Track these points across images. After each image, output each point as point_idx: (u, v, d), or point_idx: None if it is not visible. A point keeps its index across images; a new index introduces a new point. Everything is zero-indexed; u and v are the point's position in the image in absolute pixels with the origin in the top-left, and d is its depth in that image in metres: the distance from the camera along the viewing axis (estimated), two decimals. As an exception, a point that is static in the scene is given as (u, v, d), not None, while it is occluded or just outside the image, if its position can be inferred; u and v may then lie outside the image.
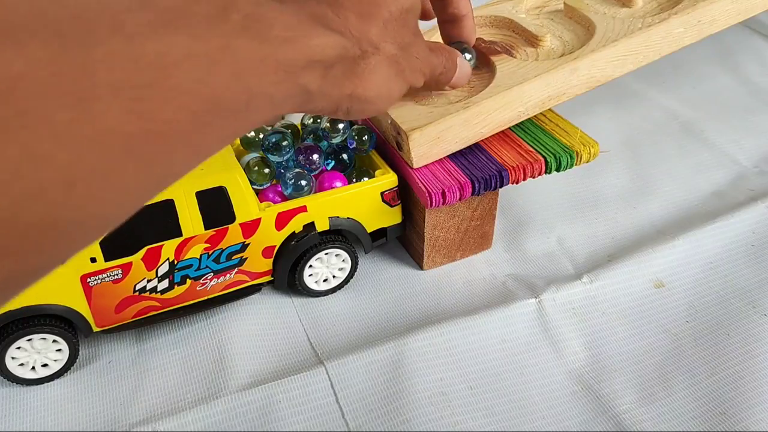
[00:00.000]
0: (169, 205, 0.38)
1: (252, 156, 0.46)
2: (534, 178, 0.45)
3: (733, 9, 0.51)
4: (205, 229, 0.40)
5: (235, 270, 0.42)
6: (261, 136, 0.47)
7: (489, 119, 0.45)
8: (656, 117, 0.64)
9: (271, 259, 0.43)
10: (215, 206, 0.39)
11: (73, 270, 0.37)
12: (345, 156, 0.47)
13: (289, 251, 0.43)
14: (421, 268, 0.48)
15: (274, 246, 0.43)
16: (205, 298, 0.43)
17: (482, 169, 0.44)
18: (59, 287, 0.38)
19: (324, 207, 0.43)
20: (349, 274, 0.46)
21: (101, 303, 0.39)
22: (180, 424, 0.38)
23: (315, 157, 0.45)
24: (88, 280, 0.38)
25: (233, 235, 0.41)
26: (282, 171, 0.46)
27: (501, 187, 0.44)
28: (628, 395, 0.40)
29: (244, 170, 0.43)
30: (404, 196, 0.47)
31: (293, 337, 0.44)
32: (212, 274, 0.41)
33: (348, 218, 0.44)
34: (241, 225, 0.41)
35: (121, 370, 0.41)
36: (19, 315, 0.37)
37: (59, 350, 0.40)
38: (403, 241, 0.50)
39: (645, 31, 0.48)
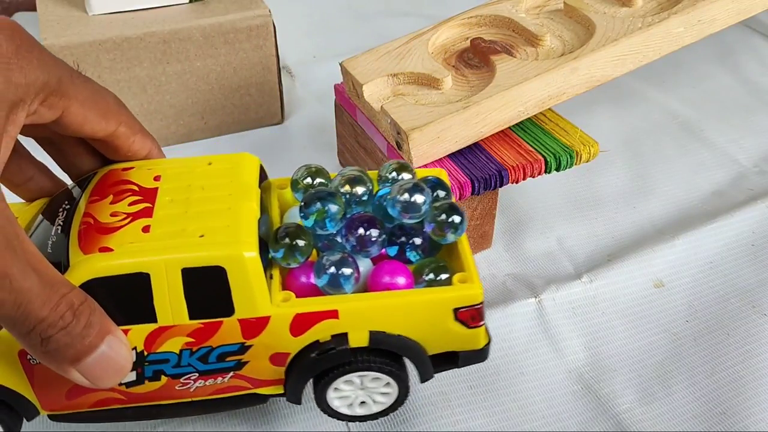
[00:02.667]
0: (142, 280, 0.28)
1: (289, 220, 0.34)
2: (534, 177, 0.45)
3: (733, 8, 0.51)
4: (190, 318, 0.29)
5: (231, 374, 0.31)
6: (313, 182, 0.34)
7: (489, 119, 0.45)
8: (656, 116, 0.64)
9: (284, 368, 0.32)
10: (207, 291, 0.29)
11: (8, 343, 0.29)
12: (417, 241, 0.33)
13: (308, 365, 0.31)
14: (420, 267, 0.48)
15: (288, 354, 0.31)
16: (189, 399, 0.32)
17: (482, 168, 0.44)
18: None
19: (364, 315, 0.30)
20: (396, 400, 0.34)
21: (48, 386, 0.30)
22: None
23: (373, 235, 0.31)
24: (28, 357, 0.29)
25: (228, 332, 0.30)
26: (322, 245, 0.33)
27: (501, 186, 0.44)
28: (628, 395, 0.40)
29: (270, 238, 0.31)
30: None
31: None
32: (197, 374, 0.31)
33: (399, 336, 0.31)
34: (241, 321, 0.30)
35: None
36: None
37: None
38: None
39: (645, 31, 0.48)
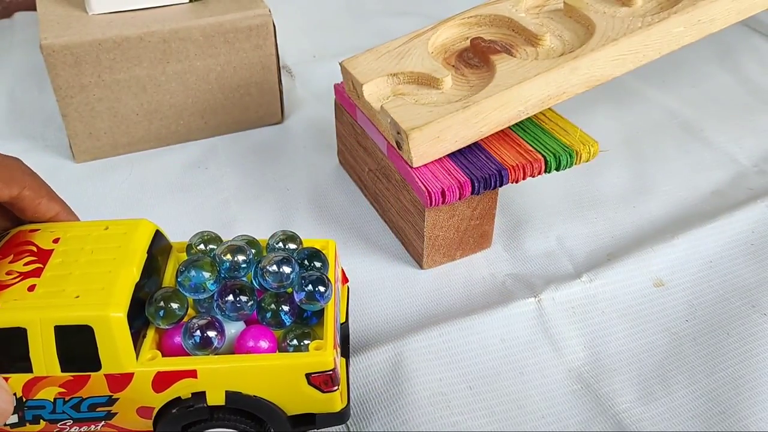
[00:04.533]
0: (20, 334, 0.31)
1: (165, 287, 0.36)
2: (534, 177, 0.45)
3: (733, 8, 0.51)
4: (62, 371, 0.32)
5: (102, 423, 0.34)
6: (206, 248, 0.38)
7: (489, 118, 0.45)
8: (656, 116, 0.64)
9: (151, 421, 0.34)
10: (77, 347, 0.32)
11: None
12: (285, 307, 0.35)
13: (170, 420, 0.34)
14: (420, 267, 0.48)
15: (153, 408, 0.34)
16: None
17: (482, 168, 0.44)
18: None
19: (221, 376, 0.33)
20: None
21: None
22: None
23: (242, 300, 0.34)
24: None
25: (96, 385, 0.33)
26: (201, 308, 0.36)
27: (500, 186, 0.44)
28: (628, 394, 0.40)
29: (148, 300, 0.34)
30: (404, 194, 0.47)
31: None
32: (71, 421, 0.34)
33: (254, 396, 0.33)
34: (107, 376, 0.32)
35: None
36: None
37: None
38: (403, 241, 0.50)
39: (645, 30, 0.48)
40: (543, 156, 0.45)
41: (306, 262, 0.37)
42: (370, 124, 0.48)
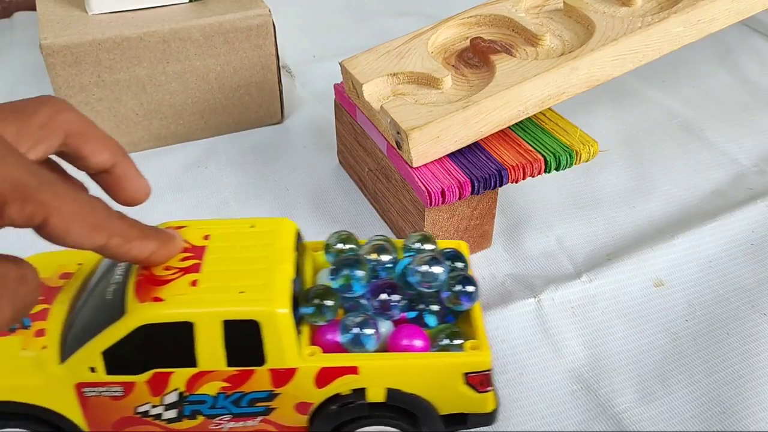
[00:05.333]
0: (186, 329, 0.32)
1: (320, 283, 0.36)
2: (533, 177, 0.45)
3: (733, 8, 0.51)
4: (228, 366, 0.33)
5: (260, 418, 0.34)
6: (344, 246, 0.37)
7: (488, 118, 0.45)
8: (656, 116, 0.64)
9: (307, 416, 0.34)
10: (243, 342, 0.32)
11: (68, 375, 0.33)
12: (435, 307, 0.35)
13: (328, 416, 0.34)
14: (420, 267, 0.48)
15: (311, 404, 0.34)
16: None
17: (482, 168, 0.44)
18: (48, 389, 0.33)
19: (382, 374, 0.33)
20: None
21: (97, 416, 0.34)
22: None
23: (394, 299, 0.34)
24: (84, 390, 0.33)
25: (259, 380, 0.33)
26: (349, 306, 0.36)
27: (500, 186, 0.44)
28: (628, 394, 0.40)
29: (301, 297, 0.34)
30: (404, 194, 0.47)
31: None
32: (230, 416, 0.34)
33: (413, 394, 0.34)
34: (271, 371, 0.33)
35: None
36: (4, 409, 0.33)
37: None
38: (403, 241, 0.50)
39: (645, 30, 0.48)
40: (543, 156, 0.45)
41: (448, 262, 0.37)
42: (369, 124, 0.48)
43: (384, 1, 0.85)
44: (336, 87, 0.53)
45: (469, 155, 0.45)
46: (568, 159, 0.45)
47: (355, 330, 0.33)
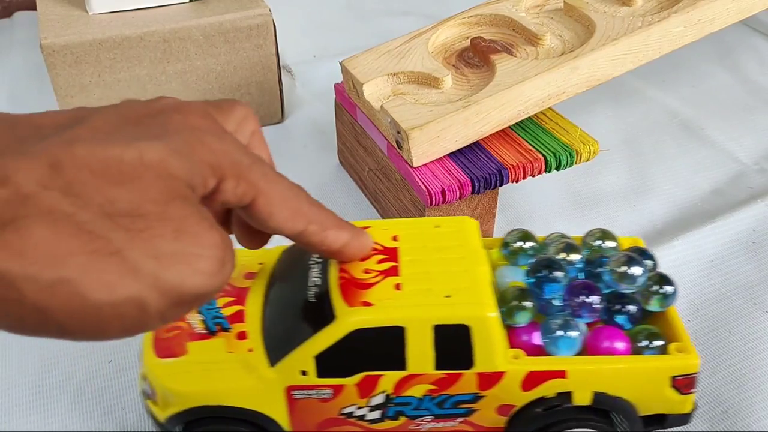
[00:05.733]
0: (398, 333, 0.32)
1: (510, 280, 0.36)
2: (534, 176, 0.45)
3: (733, 7, 0.51)
4: (436, 369, 0.33)
5: (460, 419, 0.35)
6: (524, 245, 0.37)
7: (489, 118, 0.45)
8: (656, 115, 0.64)
9: (506, 418, 0.34)
10: (453, 346, 0.32)
11: (280, 378, 0.33)
12: (633, 309, 0.34)
13: (531, 418, 0.34)
14: (421, 266, 0.48)
15: (514, 406, 0.34)
16: None
17: (482, 167, 0.44)
18: (259, 392, 0.33)
19: (590, 377, 0.33)
20: None
21: (303, 417, 0.34)
22: None
23: (594, 301, 0.34)
24: (293, 392, 0.33)
25: (466, 383, 0.33)
26: (541, 307, 0.35)
27: (501, 185, 0.44)
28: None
29: (499, 299, 0.34)
30: (404, 194, 0.47)
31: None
32: (432, 417, 0.34)
33: (618, 397, 0.33)
34: (479, 374, 0.33)
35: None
36: (213, 413, 0.34)
37: None
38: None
39: (645, 30, 0.48)
40: (543, 155, 0.45)
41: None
42: (370, 124, 0.48)
43: (384, 1, 0.85)
44: (336, 87, 0.53)
45: (470, 155, 0.45)
46: (569, 158, 0.45)
47: (559, 332, 0.33)
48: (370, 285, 0.33)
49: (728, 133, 0.61)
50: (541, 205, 0.53)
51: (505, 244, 0.37)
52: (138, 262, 0.22)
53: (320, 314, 0.32)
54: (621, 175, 0.57)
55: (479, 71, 0.48)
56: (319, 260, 0.35)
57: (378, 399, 0.33)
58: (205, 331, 0.34)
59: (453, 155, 0.45)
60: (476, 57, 0.50)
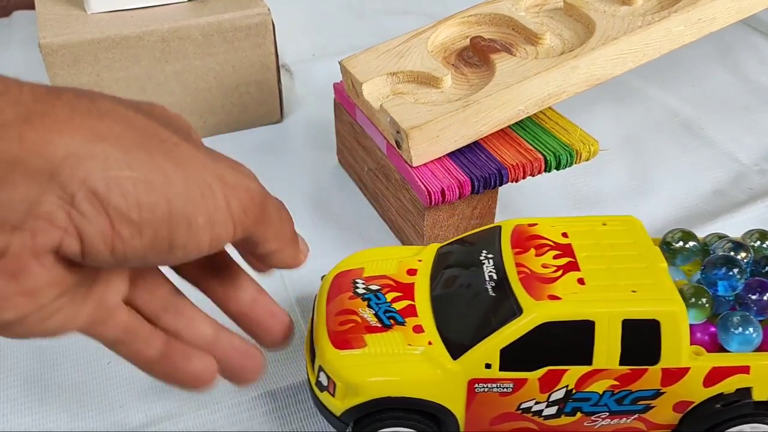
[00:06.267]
0: (587, 327, 0.32)
1: (684, 279, 0.37)
2: (533, 176, 0.45)
3: (734, 7, 0.51)
4: (620, 364, 0.33)
5: (635, 416, 0.35)
6: (686, 244, 0.38)
7: (488, 117, 0.45)
8: (656, 115, 0.64)
9: (680, 415, 0.35)
10: (639, 341, 0.32)
11: (463, 371, 0.33)
12: None
13: (708, 414, 0.34)
14: (420, 267, 0.48)
15: (692, 402, 0.34)
16: None
17: (482, 167, 0.44)
18: (442, 385, 0.33)
19: None
20: None
21: (479, 411, 0.34)
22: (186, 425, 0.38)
23: None
24: (476, 385, 0.33)
25: (650, 379, 0.33)
26: (721, 301, 0.36)
27: (500, 185, 0.44)
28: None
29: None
30: (403, 194, 0.46)
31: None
32: (608, 414, 0.34)
33: None
34: (663, 370, 0.33)
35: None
36: (395, 404, 0.33)
37: None
38: (403, 240, 0.50)
39: (645, 29, 0.48)
40: (543, 155, 0.44)
41: None
42: (369, 124, 0.48)
43: (384, 0, 0.85)
44: (335, 86, 0.53)
45: (469, 154, 0.45)
46: (569, 158, 0.45)
47: (738, 329, 0.33)
48: (553, 279, 0.33)
49: (728, 133, 0.61)
50: (541, 205, 0.53)
51: (666, 244, 0.38)
52: None
53: (504, 308, 0.33)
54: (621, 175, 0.57)
55: (479, 71, 0.48)
56: (490, 256, 0.35)
57: (558, 394, 0.33)
58: (379, 325, 0.34)
59: (452, 155, 0.45)
60: (476, 56, 0.49)
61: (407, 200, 0.46)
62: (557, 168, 0.45)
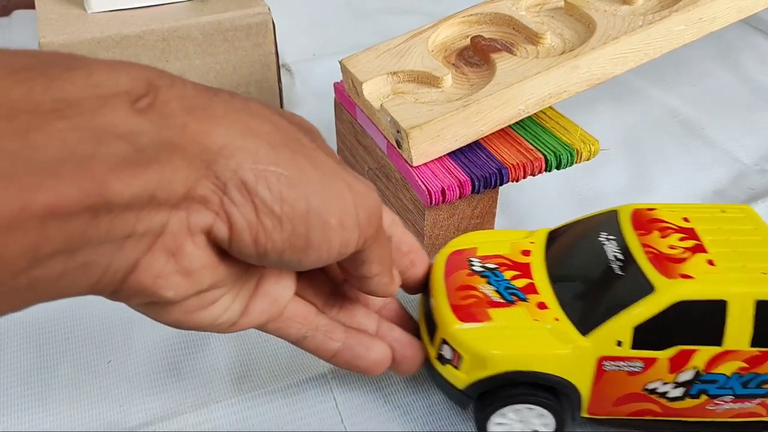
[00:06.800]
0: (719, 307, 0.32)
1: None
2: (534, 176, 0.45)
3: (734, 6, 0.51)
4: (751, 346, 0.32)
5: (758, 400, 0.34)
6: None
7: (489, 117, 0.45)
8: (657, 115, 0.64)
9: None
10: None
11: (594, 347, 0.33)
12: None
13: None
14: (420, 266, 0.48)
15: None
16: (709, 419, 0.35)
17: (482, 167, 0.44)
18: (572, 361, 0.33)
19: None
20: None
21: (605, 390, 0.34)
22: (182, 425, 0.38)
23: None
24: (605, 363, 0.33)
25: None
26: None
27: (501, 185, 0.44)
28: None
29: None
30: (404, 193, 0.46)
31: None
32: (732, 397, 0.34)
33: None
34: None
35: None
36: (523, 378, 0.33)
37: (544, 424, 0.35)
38: (403, 240, 0.50)
39: (646, 29, 0.48)
40: (543, 155, 0.44)
41: None
42: (369, 123, 0.48)
43: (384, 0, 0.85)
44: (336, 86, 0.53)
45: (470, 154, 0.45)
46: (569, 158, 0.45)
47: None
48: (683, 260, 0.33)
49: (729, 132, 0.61)
50: (542, 205, 0.53)
51: None
52: None
53: (635, 285, 0.32)
54: (621, 175, 0.57)
55: (479, 70, 0.48)
56: (612, 237, 0.35)
57: (686, 375, 0.33)
58: (502, 300, 0.34)
59: (453, 154, 0.45)
60: (476, 56, 0.49)
61: (408, 200, 0.46)
62: (558, 167, 0.45)
